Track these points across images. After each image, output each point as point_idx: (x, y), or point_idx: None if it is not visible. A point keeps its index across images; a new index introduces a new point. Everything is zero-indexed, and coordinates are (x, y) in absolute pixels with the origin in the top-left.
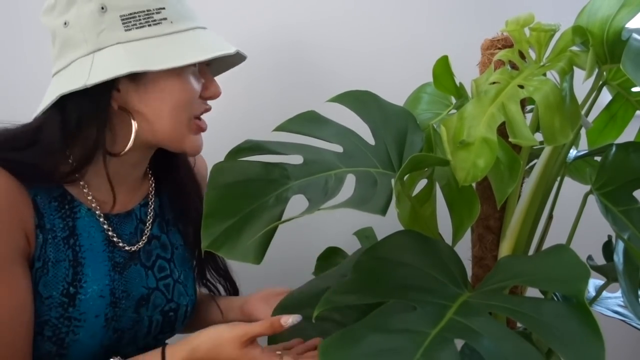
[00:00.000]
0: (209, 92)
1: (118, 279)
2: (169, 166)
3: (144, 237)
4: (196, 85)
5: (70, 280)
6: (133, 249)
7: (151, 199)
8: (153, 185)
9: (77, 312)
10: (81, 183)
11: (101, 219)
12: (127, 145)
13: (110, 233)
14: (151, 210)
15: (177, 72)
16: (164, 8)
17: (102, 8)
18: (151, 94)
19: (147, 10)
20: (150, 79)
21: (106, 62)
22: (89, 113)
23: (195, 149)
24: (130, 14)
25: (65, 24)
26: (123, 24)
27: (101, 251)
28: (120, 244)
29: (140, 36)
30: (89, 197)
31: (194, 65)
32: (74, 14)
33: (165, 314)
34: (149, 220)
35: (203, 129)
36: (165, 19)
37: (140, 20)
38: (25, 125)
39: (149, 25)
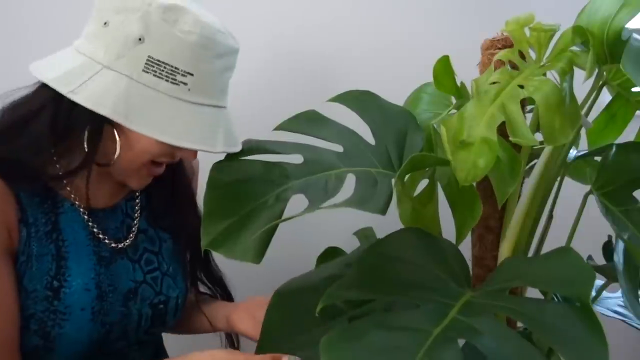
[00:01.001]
0: (181, 154)
1: (104, 272)
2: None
3: (131, 234)
4: (164, 145)
5: (54, 274)
6: (120, 246)
7: (138, 194)
8: None
9: (62, 306)
10: (64, 180)
11: (85, 216)
12: (112, 158)
13: (95, 230)
14: (138, 204)
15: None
16: (192, 74)
17: (140, 39)
18: (127, 130)
19: (175, 68)
20: None
21: (101, 87)
22: (80, 121)
23: (138, 187)
24: (159, 61)
25: (105, 23)
26: (145, 64)
27: (85, 245)
28: (106, 240)
29: (150, 84)
30: (72, 195)
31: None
32: (117, 22)
33: (154, 307)
34: (136, 216)
35: (155, 174)
36: (185, 84)
37: (162, 71)
38: (16, 107)
39: (166, 80)
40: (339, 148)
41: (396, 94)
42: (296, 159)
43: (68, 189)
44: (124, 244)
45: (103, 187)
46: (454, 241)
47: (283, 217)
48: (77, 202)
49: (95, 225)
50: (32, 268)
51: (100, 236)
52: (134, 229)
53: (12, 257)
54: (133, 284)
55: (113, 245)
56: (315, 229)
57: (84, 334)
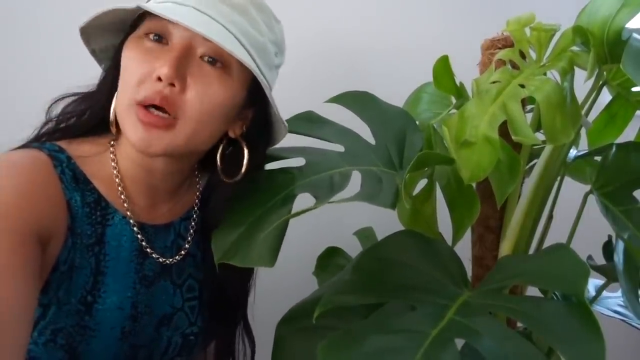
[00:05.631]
0: (157, 72)
1: (144, 292)
2: (219, 198)
3: (181, 252)
4: (142, 63)
5: (90, 289)
6: (166, 261)
7: (195, 213)
8: (200, 197)
9: (93, 322)
10: (119, 189)
11: (135, 228)
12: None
13: (143, 243)
14: (193, 225)
15: (132, 43)
16: None
17: None
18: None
19: None
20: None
21: None
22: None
23: (134, 141)
24: None
25: None
26: None
27: (128, 262)
28: (154, 255)
29: None
30: (125, 204)
31: (148, 38)
32: None
33: (185, 337)
34: (189, 239)
35: (142, 120)
36: None
37: None
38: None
39: None
40: (340, 148)
41: (396, 94)
42: (299, 162)
43: (122, 197)
44: (171, 261)
45: (159, 203)
46: (451, 240)
47: (293, 213)
48: (129, 215)
49: (144, 239)
50: (70, 279)
51: (148, 250)
52: (182, 251)
53: (41, 247)
54: (170, 310)
55: (160, 259)
56: (315, 229)
57: (109, 352)
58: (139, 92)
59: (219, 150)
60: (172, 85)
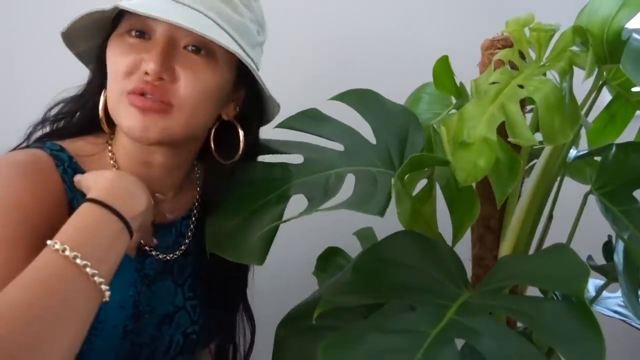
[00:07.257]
0: (144, 67)
1: (145, 291)
2: (220, 180)
3: (181, 248)
4: (128, 57)
5: None
6: (167, 258)
7: (195, 211)
8: (200, 193)
9: (96, 321)
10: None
11: None
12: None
13: (142, 241)
14: (193, 220)
15: (115, 41)
16: None
17: None
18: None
19: None
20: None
21: None
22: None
23: (131, 127)
24: None
25: None
26: None
27: (129, 260)
28: (153, 253)
29: None
30: None
31: (130, 35)
32: None
33: (187, 336)
34: (189, 233)
35: (136, 105)
36: None
37: None
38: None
39: None
40: (340, 147)
41: (396, 94)
42: (298, 158)
43: None
44: (171, 257)
45: (161, 202)
46: (451, 241)
47: (283, 217)
48: None
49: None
50: None
51: (147, 248)
52: (183, 247)
53: (37, 248)
54: (172, 308)
55: (161, 256)
56: (315, 229)
57: (112, 351)
58: (128, 83)
59: (212, 133)
60: (161, 79)
